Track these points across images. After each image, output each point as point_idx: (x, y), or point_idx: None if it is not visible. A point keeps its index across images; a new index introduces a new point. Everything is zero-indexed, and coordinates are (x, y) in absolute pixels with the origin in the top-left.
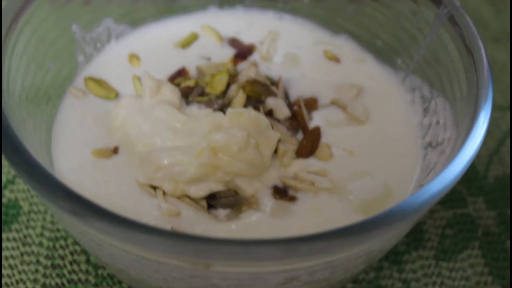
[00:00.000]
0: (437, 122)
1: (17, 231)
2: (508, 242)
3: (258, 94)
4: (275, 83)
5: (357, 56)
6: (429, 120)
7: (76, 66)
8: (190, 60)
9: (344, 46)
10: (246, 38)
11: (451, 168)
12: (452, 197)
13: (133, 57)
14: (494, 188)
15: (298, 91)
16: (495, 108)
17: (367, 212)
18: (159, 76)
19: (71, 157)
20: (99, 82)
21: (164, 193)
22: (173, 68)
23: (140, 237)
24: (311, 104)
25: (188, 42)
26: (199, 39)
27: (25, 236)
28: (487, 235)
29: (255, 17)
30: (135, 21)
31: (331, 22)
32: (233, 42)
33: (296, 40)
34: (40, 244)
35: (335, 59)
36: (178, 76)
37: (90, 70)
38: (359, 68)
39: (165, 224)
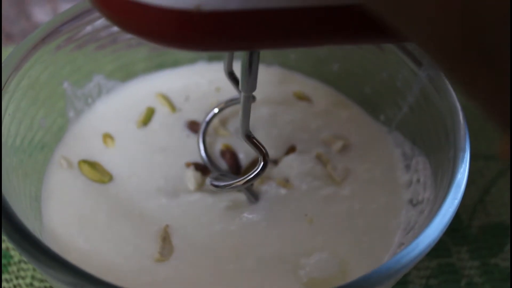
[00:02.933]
0: (418, 180)
1: (7, 281)
2: None
3: None
4: None
5: (342, 103)
6: (410, 178)
7: (67, 122)
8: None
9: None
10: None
11: (428, 232)
12: (437, 246)
13: (107, 137)
14: (478, 237)
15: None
16: (479, 156)
17: None
18: None
19: (61, 213)
20: (93, 165)
21: None
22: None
23: None
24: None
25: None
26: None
27: (15, 286)
28: (470, 285)
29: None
30: (127, 76)
31: (316, 77)
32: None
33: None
34: None
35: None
36: None
37: (79, 127)
38: (345, 114)
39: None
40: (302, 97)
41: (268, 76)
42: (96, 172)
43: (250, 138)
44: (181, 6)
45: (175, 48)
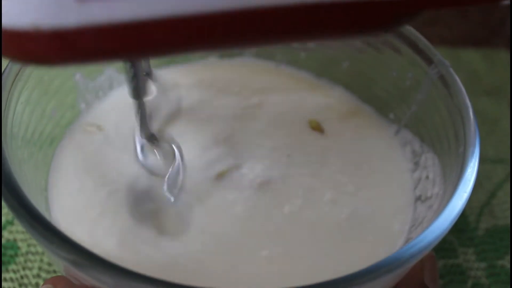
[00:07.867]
0: (427, 177)
1: (14, 271)
2: None
3: None
4: None
5: (351, 112)
6: (419, 175)
7: (78, 113)
8: None
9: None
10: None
11: (437, 224)
12: (443, 247)
13: None
14: (484, 240)
15: None
16: (486, 160)
17: None
18: None
19: (67, 199)
20: None
21: None
22: None
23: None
24: None
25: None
26: None
27: (22, 277)
28: (477, 286)
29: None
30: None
31: (326, 75)
32: None
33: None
34: (37, 285)
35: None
36: None
37: (91, 116)
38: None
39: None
40: (316, 128)
41: (276, 81)
42: None
43: (153, 137)
44: (19, 26)
45: (37, 65)
